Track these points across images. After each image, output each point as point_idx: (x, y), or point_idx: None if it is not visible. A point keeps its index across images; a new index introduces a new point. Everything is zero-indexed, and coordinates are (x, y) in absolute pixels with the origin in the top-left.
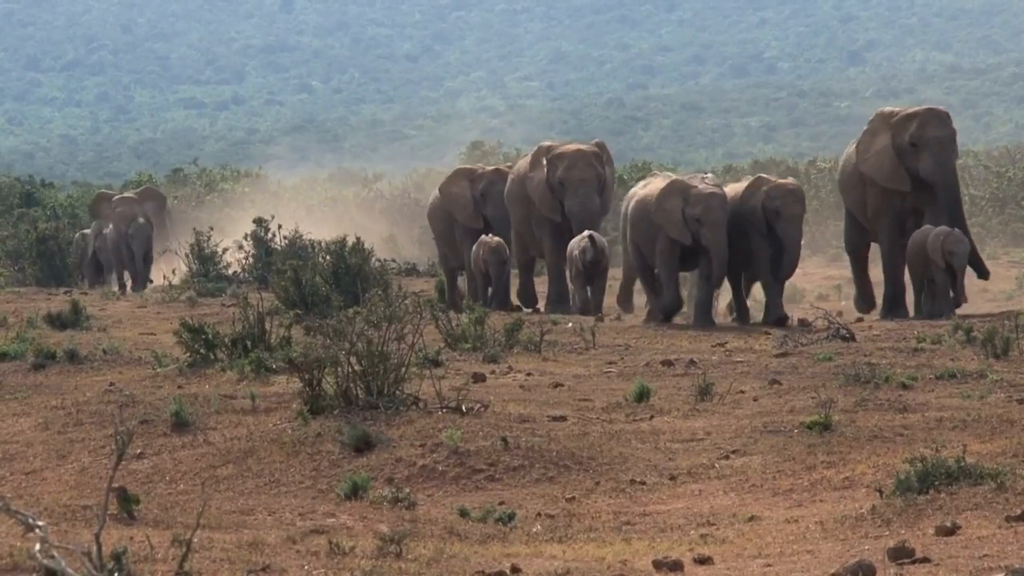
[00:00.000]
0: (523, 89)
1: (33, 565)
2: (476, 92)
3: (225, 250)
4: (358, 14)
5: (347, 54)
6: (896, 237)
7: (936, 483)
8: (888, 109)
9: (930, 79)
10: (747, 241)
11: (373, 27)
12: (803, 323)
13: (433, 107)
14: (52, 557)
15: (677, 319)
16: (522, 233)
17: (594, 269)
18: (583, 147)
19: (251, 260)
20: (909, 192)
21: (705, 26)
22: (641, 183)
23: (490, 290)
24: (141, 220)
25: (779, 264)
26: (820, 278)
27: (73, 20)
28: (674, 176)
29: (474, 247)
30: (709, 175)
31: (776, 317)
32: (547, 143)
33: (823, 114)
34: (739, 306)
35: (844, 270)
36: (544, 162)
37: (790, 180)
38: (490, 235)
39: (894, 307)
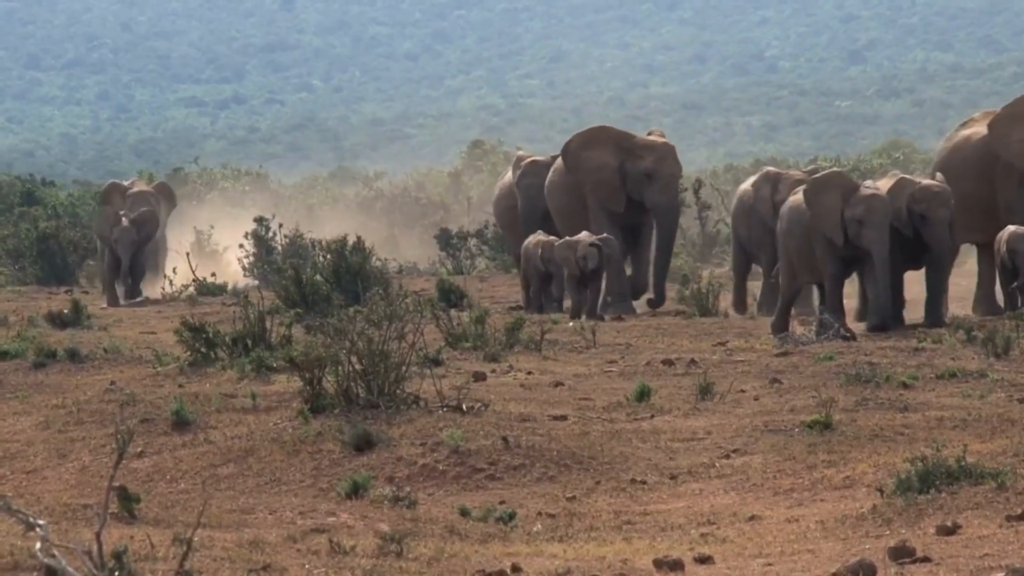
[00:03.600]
0: (524, 88)
1: (34, 564)
2: (477, 91)
3: (226, 249)
4: (359, 13)
5: (348, 53)
6: None
7: (937, 482)
8: None
9: (931, 79)
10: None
11: (374, 26)
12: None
13: (434, 106)
14: (53, 556)
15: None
16: (575, 226)
17: (594, 276)
18: (666, 139)
19: (252, 259)
20: None
21: (706, 25)
22: (750, 182)
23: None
24: (125, 223)
25: (931, 268)
26: None
27: (73, 19)
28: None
29: (535, 247)
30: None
31: (935, 319)
32: (606, 125)
33: (824, 113)
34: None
35: None
36: (613, 147)
37: (936, 181)
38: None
39: None
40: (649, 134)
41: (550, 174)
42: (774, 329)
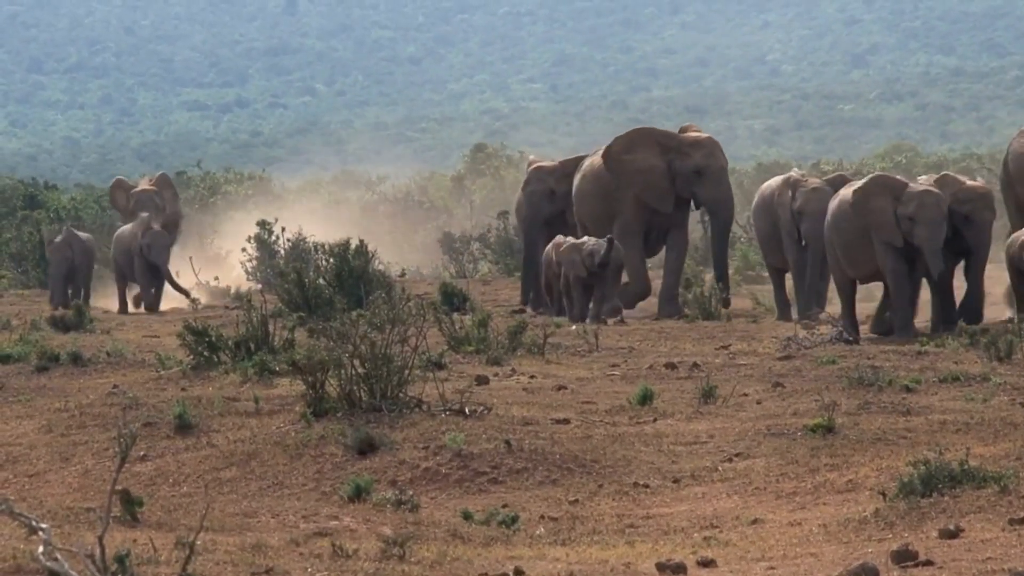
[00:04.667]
0: (526, 92)
1: (36, 567)
2: (479, 95)
3: (229, 253)
4: (362, 16)
5: (351, 57)
6: None
7: (939, 486)
8: None
9: (934, 82)
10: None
11: (377, 30)
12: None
13: (437, 110)
14: (55, 559)
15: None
16: (606, 233)
17: (601, 273)
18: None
19: (255, 263)
20: None
21: (708, 29)
22: (774, 181)
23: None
24: (156, 227)
25: (970, 269)
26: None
27: (76, 22)
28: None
29: (575, 251)
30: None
31: (949, 322)
32: (647, 126)
33: (827, 117)
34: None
35: None
36: (658, 148)
37: (980, 182)
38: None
39: None
40: (683, 130)
41: (579, 180)
42: (844, 327)
